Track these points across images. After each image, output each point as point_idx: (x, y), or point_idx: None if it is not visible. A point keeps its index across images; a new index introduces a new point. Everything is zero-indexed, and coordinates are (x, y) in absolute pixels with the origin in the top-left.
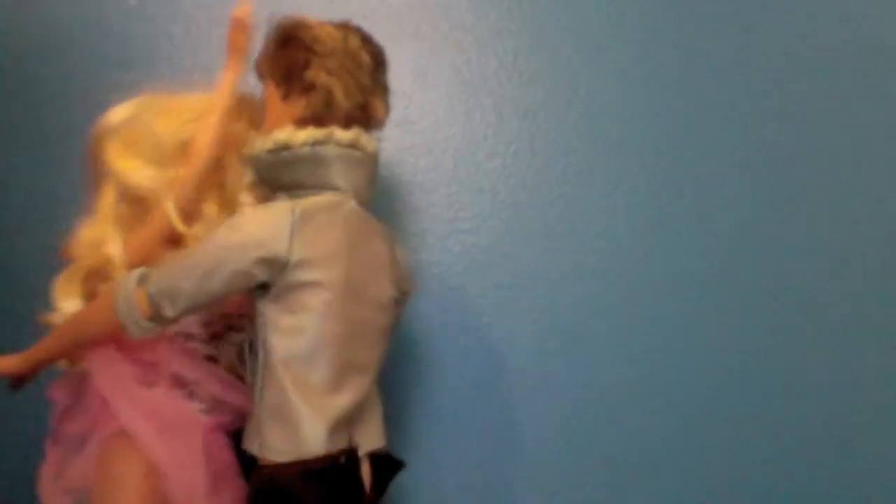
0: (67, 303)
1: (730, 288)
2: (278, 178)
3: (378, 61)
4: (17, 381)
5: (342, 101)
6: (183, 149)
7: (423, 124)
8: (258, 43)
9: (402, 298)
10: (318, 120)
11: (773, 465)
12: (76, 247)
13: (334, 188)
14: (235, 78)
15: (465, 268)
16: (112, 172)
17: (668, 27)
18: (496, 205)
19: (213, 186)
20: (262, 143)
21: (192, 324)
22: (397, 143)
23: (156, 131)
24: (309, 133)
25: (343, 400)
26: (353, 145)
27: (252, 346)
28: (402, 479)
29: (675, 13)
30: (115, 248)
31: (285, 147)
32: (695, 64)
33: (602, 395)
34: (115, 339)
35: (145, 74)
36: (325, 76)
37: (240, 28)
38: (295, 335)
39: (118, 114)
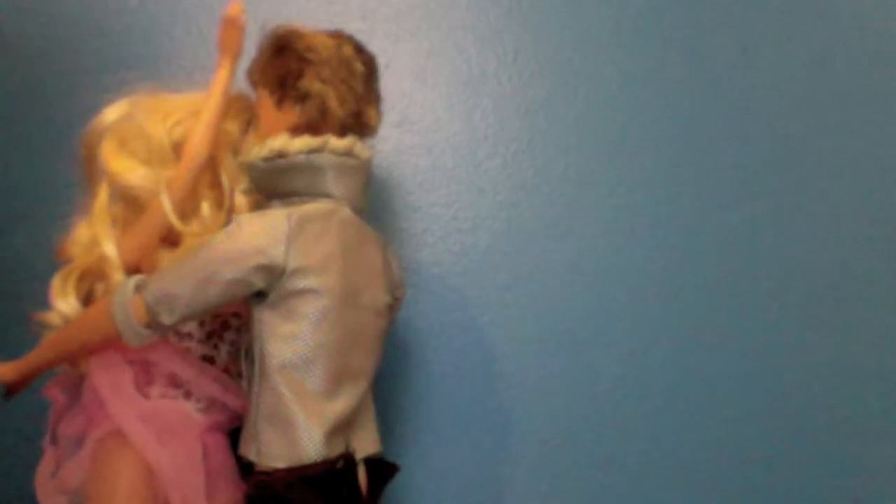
0: (63, 302)
1: (729, 288)
2: (273, 185)
3: (371, 69)
4: (12, 390)
5: (336, 109)
6: (176, 148)
7: (423, 124)
8: (249, 42)
9: (394, 304)
10: (312, 128)
11: (772, 465)
12: (71, 246)
13: (329, 196)
14: (228, 77)
15: (465, 268)
16: (106, 172)
17: (667, 27)
18: (496, 205)
19: (206, 185)
20: (257, 151)
21: (187, 323)
22: (397, 143)
23: (149, 131)
24: (304, 141)
25: (339, 405)
26: (347, 153)
27: (248, 352)
28: (401, 480)
29: (674, 13)
30: (109, 248)
31: (281, 155)
32: (694, 64)
33: (602, 395)
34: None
35: (145, 74)
36: (319, 84)
37: (231, 27)
38: (291, 341)
39: (111, 114)
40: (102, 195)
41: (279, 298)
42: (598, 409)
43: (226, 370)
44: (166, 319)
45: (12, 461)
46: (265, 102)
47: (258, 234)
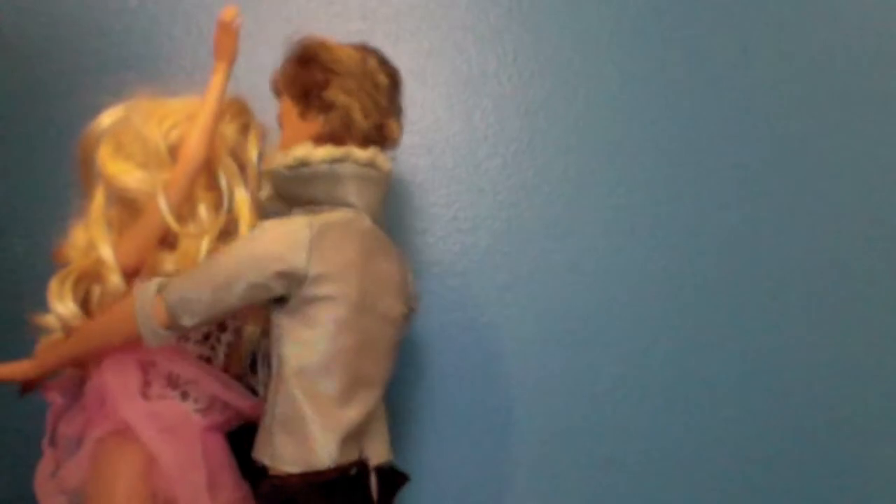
0: (60, 305)
1: (730, 288)
2: (295, 193)
3: (395, 83)
4: (29, 386)
5: (360, 120)
6: (173, 151)
7: (423, 124)
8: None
9: (409, 315)
10: (335, 138)
11: (772, 465)
12: (68, 250)
13: (349, 205)
14: (223, 80)
15: (465, 268)
16: (103, 176)
17: (667, 27)
18: (496, 205)
19: (203, 187)
20: (281, 159)
21: None
22: None
23: (145, 134)
24: (328, 151)
25: (353, 412)
26: (369, 164)
27: (265, 357)
28: None
29: (674, 13)
30: (106, 251)
31: (304, 163)
32: (694, 64)
33: (602, 395)
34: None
35: (145, 74)
36: (343, 96)
37: (226, 32)
38: (309, 347)
39: (108, 117)
40: (99, 198)
41: (298, 304)
42: (598, 409)
43: (224, 372)
44: (187, 321)
45: (12, 461)
46: (289, 112)
47: (280, 241)
